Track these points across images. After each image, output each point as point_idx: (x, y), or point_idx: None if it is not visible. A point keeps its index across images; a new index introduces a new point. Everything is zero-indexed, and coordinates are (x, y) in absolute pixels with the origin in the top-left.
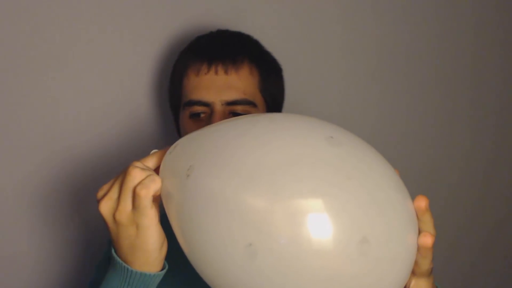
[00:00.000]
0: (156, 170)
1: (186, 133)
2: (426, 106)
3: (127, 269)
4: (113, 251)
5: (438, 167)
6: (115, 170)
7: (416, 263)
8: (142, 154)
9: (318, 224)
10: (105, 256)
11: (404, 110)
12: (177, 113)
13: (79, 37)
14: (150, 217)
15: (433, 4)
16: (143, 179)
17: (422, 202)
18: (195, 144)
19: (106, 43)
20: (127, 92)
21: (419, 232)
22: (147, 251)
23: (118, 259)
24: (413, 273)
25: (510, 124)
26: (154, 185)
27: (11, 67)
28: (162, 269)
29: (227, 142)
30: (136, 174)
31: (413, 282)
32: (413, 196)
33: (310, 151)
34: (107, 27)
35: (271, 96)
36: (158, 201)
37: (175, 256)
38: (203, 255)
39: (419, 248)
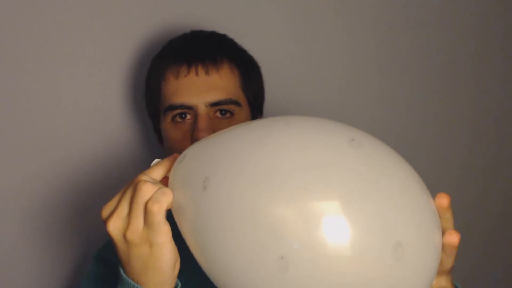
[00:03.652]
0: (161, 181)
1: (170, 139)
2: (425, 106)
3: None
4: (122, 271)
5: (438, 167)
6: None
7: (440, 261)
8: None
9: (352, 231)
10: (90, 272)
11: (403, 110)
12: (157, 119)
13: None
14: (165, 234)
15: (433, 3)
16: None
17: (444, 200)
18: (207, 153)
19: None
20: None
21: (442, 230)
22: (161, 270)
23: (130, 281)
24: None
25: (510, 124)
26: (166, 199)
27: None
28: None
29: (245, 150)
30: (148, 189)
31: (434, 281)
32: None
33: (335, 156)
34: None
35: (253, 94)
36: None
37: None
38: (227, 270)
39: (444, 247)
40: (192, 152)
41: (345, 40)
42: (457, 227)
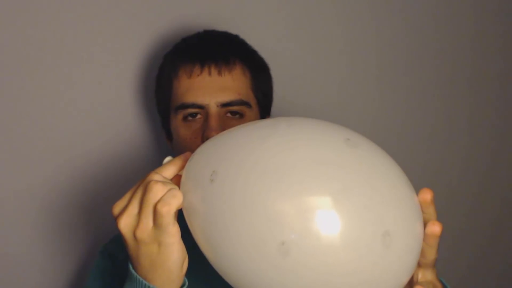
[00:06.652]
0: (173, 179)
1: (180, 137)
2: (425, 106)
3: (148, 287)
4: (131, 267)
5: (438, 168)
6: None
7: (422, 253)
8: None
9: (348, 220)
10: (96, 267)
11: (403, 111)
12: (166, 117)
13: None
14: (173, 235)
15: (432, 4)
16: (163, 195)
17: (427, 195)
18: (214, 150)
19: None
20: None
21: (425, 222)
22: (169, 269)
23: (139, 277)
24: (419, 265)
25: (510, 124)
26: (175, 201)
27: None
28: (182, 286)
29: (250, 146)
30: (158, 190)
31: (420, 274)
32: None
33: (333, 153)
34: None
35: (263, 95)
36: (177, 213)
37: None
38: (232, 260)
39: (426, 237)
40: (201, 150)
41: (346, 43)
42: (456, 228)
